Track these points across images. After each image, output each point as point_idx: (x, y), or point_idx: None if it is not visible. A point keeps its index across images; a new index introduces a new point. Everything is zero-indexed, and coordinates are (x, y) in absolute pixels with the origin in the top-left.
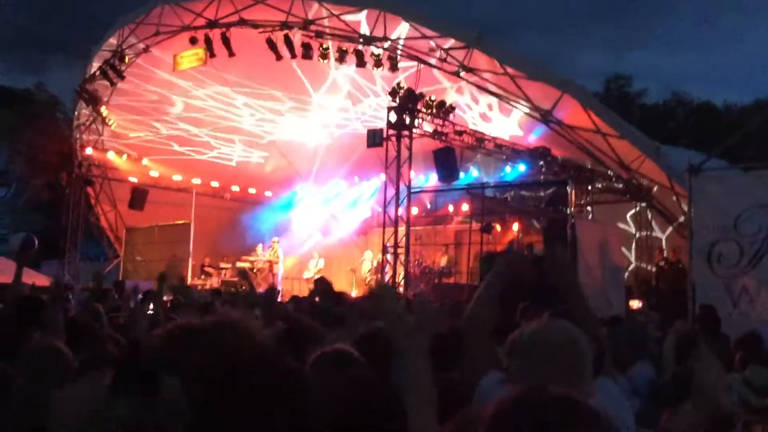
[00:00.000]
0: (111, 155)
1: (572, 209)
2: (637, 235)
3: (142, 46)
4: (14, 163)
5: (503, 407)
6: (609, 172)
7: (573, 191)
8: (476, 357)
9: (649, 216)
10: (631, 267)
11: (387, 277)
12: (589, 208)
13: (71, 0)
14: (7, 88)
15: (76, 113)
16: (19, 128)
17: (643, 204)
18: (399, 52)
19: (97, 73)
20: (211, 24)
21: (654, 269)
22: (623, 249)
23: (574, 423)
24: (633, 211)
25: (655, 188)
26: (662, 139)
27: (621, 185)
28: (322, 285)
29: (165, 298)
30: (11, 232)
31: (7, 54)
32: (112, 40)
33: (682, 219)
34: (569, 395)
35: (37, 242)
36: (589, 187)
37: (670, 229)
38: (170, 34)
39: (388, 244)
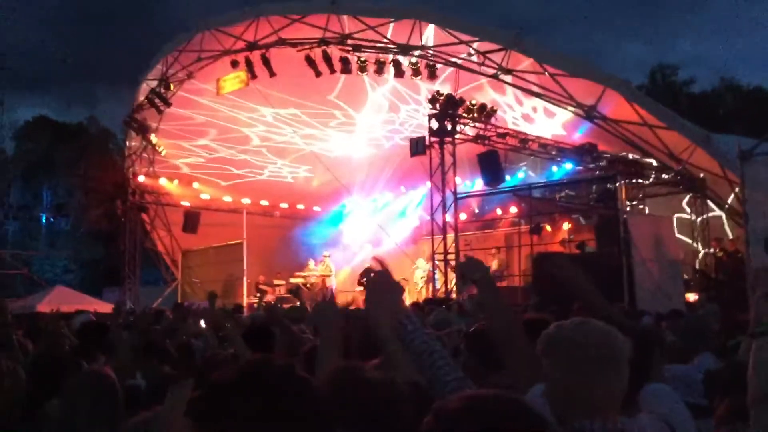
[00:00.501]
0: (163, 181)
1: (623, 204)
2: (698, 220)
3: (185, 72)
4: (72, 195)
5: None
6: (660, 164)
7: (623, 186)
8: (514, 363)
9: (708, 201)
10: (701, 255)
11: (439, 284)
12: (640, 204)
13: (116, 32)
14: (61, 123)
15: (127, 143)
16: (75, 161)
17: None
18: (436, 59)
19: (145, 102)
20: (251, 46)
21: (713, 260)
22: (685, 238)
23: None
24: (689, 197)
25: (708, 178)
26: (713, 127)
27: (672, 176)
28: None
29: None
30: (72, 262)
31: (59, 89)
32: (158, 69)
33: (730, 200)
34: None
35: None
36: (641, 181)
37: (727, 204)
38: (212, 59)
39: (437, 252)
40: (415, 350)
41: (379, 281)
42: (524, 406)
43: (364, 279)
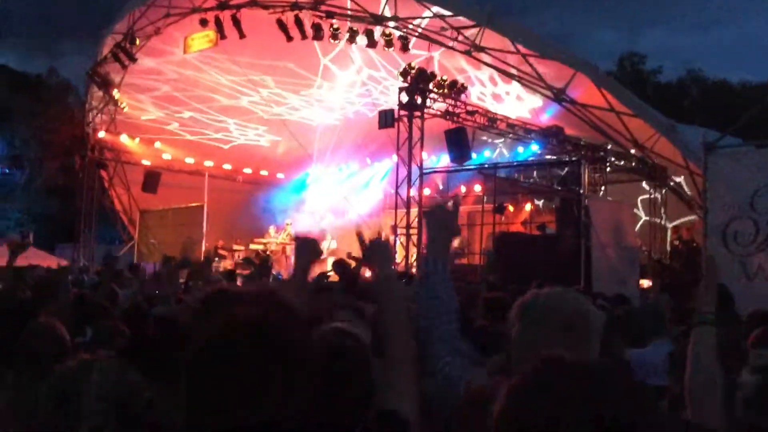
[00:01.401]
0: (124, 138)
1: (585, 189)
2: (647, 220)
3: (152, 28)
4: (28, 146)
5: (523, 380)
6: (624, 150)
7: (586, 170)
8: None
9: (662, 206)
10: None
11: (400, 259)
12: (603, 187)
13: None
14: (20, 73)
15: (88, 97)
16: (33, 113)
17: (656, 192)
18: (410, 32)
19: (109, 56)
20: (222, 5)
21: (663, 256)
22: (654, 219)
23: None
24: (644, 197)
25: (669, 167)
26: (677, 117)
27: (635, 164)
28: (340, 267)
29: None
30: (26, 215)
31: (20, 39)
32: (123, 23)
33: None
34: (601, 364)
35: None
36: (603, 166)
37: (678, 221)
38: (180, 15)
39: (399, 226)
40: (431, 295)
41: (445, 216)
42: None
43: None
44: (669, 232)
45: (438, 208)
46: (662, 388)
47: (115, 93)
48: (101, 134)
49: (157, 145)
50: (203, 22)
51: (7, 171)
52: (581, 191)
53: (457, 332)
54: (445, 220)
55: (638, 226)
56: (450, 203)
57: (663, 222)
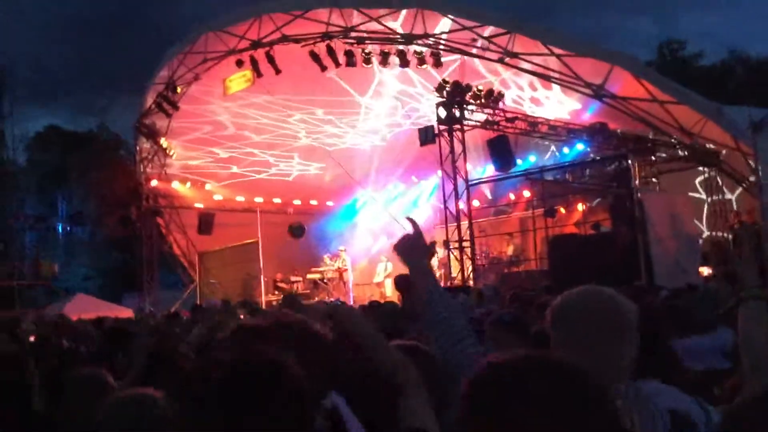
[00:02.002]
0: (175, 184)
1: (637, 182)
2: (709, 200)
3: (191, 75)
4: (86, 203)
5: (482, 374)
6: (672, 139)
7: (636, 164)
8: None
9: (719, 181)
10: (705, 235)
11: (456, 272)
12: (654, 179)
13: (122, 39)
14: (72, 132)
15: (137, 148)
16: (87, 169)
17: (712, 170)
18: (441, 46)
19: (153, 106)
20: (255, 44)
21: (729, 235)
22: (695, 220)
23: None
24: (702, 178)
25: (724, 151)
26: (724, 100)
27: (685, 152)
28: (404, 283)
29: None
30: (91, 269)
31: (69, 98)
32: (164, 73)
33: (752, 178)
34: (561, 360)
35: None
36: (653, 158)
37: (739, 189)
38: (217, 59)
39: (451, 240)
40: (435, 320)
41: (410, 241)
42: (584, 370)
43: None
44: (735, 204)
45: (400, 239)
46: (720, 372)
47: (163, 141)
48: (154, 183)
49: (208, 187)
50: (239, 63)
51: (69, 229)
52: (633, 186)
53: (472, 350)
54: (411, 246)
55: (704, 209)
56: (409, 228)
57: (725, 196)
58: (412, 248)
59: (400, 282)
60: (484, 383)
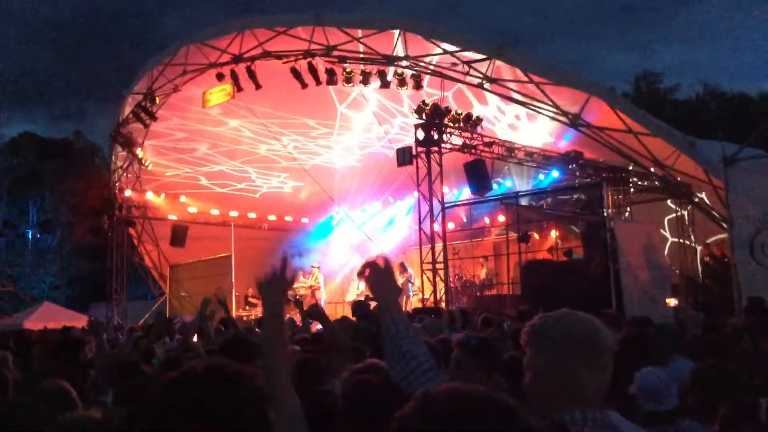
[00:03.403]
0: (149, 195)
1: (609, 211)
2: (672, 241)
3: (171, 86)
4: (58, 211)
5: (409, 409)
6: (646, 171)
7: (609, 193)
8: None
9: (689, 224)
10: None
11: (428, 294)
12: (628, 209)
13: (104, 48)
14: (47, 139)
15: (113, 157)
16: (61, 177)
17: (683, 208)
18: (422, 69)
19: (130, 116)
20: (236, 59)
21: (692, 274)
22: (681, 240)
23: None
24: (672, 216)
25: (693, 183)
26: (698, 133)
27: (658, 183)
28: (359, 308)
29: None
30: (59, 279)
31: (46, 105)
32: (143, 83)
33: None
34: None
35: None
36: (627, 188)
37: (711, 239)
38: (197, 72)
39: (425, 262)
40: (396, 352)
41: (380, 274)
42: (513, 405)
43: (365, 270)
44: (699, 252)
45: (370, 272)
46: (666, 413)
47: (139, 152)
48: (127, 193)
49: (183, 199)
50: (220, 77)
51: (39, 236)
52: (605, 214)
53: (430, 382)
54: (381, 280)
55: (667, 248)
56: (381, 261)
57: (692, 243)
58: (382, 283)
59: (356, 309)
60: (410, 418)
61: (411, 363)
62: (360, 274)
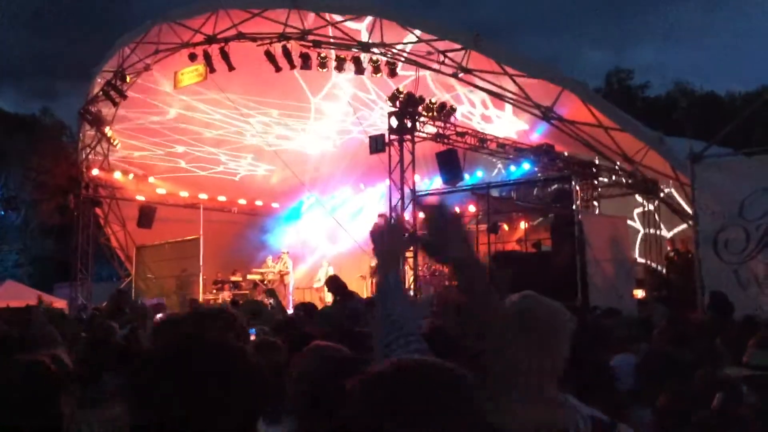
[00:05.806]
0: (117, 175)
1: (578, 204)
2: (643, 232)
3: (142, 65)
4: (23, 188)
5: (360, 383)
6: (615, 166)
7: (578, 186)
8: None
9: (657, 217)
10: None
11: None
12: (595, 202)
13: (75, 24)
14: (15, 115)
15: (81, 135)
16: (28, 154)
17: (650, 203)
18: (396, 57)
19: (100, 94)
20: (210, 39)
21: (662, 266)
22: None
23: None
24: (640, 210)
25: (661, 180)
26: (666, 130)
27: (626, 178)
28: (334, 283)
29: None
30: (22, 257)
31: (14, 81)
32: (114, 61)
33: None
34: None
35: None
36: (596, 182)
37: (676, 229)
38: (170, 51)
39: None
40: (385, 319)
41: (388, 231)
42: (457, 372)
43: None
44: (664, 245)
45: (380, 227)
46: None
47: (108, 131)
48: (95, 172)
49: (151, 180)
50: (192, 57)
51: (3, 213)
52: (574, 207)
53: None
54: (390, 232)
55: (638, 238)
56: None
57: (660, 233)
58: (386, 240)
59: (330, 283)
60: (355, 393)
61: (394, 329)
62: (372, 233)
